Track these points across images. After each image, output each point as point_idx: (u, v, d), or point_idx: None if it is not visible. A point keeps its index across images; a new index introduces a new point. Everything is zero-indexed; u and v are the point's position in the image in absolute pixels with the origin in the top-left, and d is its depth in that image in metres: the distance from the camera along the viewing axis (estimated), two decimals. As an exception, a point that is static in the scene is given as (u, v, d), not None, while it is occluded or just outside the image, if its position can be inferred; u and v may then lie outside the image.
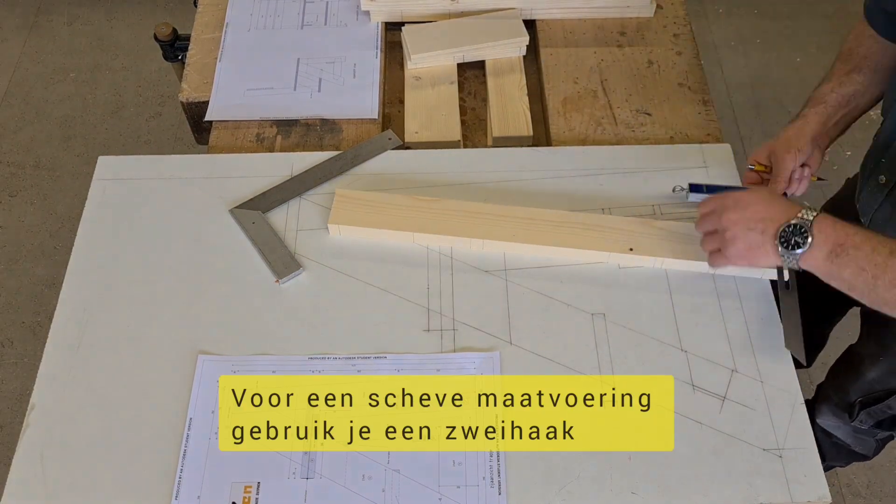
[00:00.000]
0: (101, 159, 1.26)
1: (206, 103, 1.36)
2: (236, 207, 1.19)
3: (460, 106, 1.37)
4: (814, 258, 0.95)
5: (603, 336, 1.07)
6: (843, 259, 0.93)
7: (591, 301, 1.10)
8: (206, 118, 1.35)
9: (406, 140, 1.31)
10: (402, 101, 1.39)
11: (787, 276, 1.07)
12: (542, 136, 1.36)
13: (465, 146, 1.34)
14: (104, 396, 1.02)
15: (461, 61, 1.42)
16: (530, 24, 1.46)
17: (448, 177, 1.23)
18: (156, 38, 1.65)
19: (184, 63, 1.47)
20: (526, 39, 1.42)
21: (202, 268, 1.14)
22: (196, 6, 1.55)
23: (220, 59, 1.42)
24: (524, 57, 1.43)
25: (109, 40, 2.77)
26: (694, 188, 1.18)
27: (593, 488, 0.95)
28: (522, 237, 1.13)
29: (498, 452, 0.98)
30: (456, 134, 1.32)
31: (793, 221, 0.95)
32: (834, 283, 0.95)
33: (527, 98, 1.36)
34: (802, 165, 1.13)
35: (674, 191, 1.19)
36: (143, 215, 1.19)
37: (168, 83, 2.63)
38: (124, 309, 1.10)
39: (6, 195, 2.37)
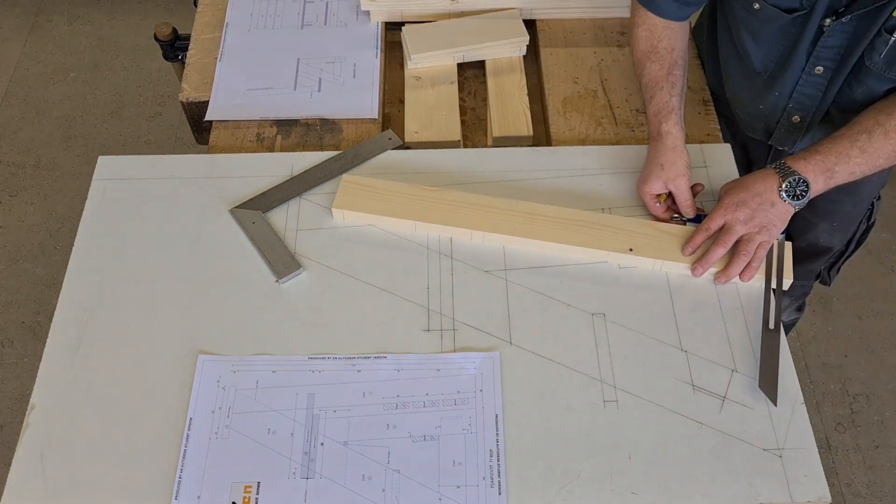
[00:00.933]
0: (101, 159, 1.26)
1: (206, 103, 1.36)
2: (236, 207, 1.19)
3: (460, 106, 1.37)
4: (816, 191, 1.10)
5: (603, 336, 1.07)
6: (835, 178, 1.10)
7: (591, 301, 1.10)
8: (206, 118, 1.34)
9: (406, 140, 1.31)
10: (402, 101, 1.39)
11: (772, 317, 1.08)
12: (542, 136, 1.36)
13: (465, 146, 1.34)
14: (104, 396, 1.02)
15: (461, 61, 1.42)
16: (530, 24, 1.46)
17: (448, 177, 1.23)
18: (156, 38, 1.65)
19: (184, 63, 1.47)
20: (526, 39, 1.42)
21: (202, 268, 1.14)
22: (196, 6, 1.55)
23: (220, 59, 1.42)
24: (524, 57, 1.43)
25: (109, 40, 2.77)
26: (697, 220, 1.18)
27: (593, 488, 0.95)
28: (523, 231, 1.13)
29: (498, 452, 0.98)
30: (456, 134, 1.32)
31: (784, 184, 1.09)
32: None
33: (527, 98, 1.36)
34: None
35: (672, 219, 1.18)
36: (143, 215, 1.19)
37: (168, 83, 2.63)
38: (124, 309, 1.10)
39: (6, 195, 2.37)
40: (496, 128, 1.32)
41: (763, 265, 1.11)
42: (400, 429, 0.99)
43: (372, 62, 1.42)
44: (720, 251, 1.10)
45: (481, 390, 1.02)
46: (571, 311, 1.09)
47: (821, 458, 0.98)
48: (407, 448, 0.98)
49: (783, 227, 1.11)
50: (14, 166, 2.43)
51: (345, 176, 1.20)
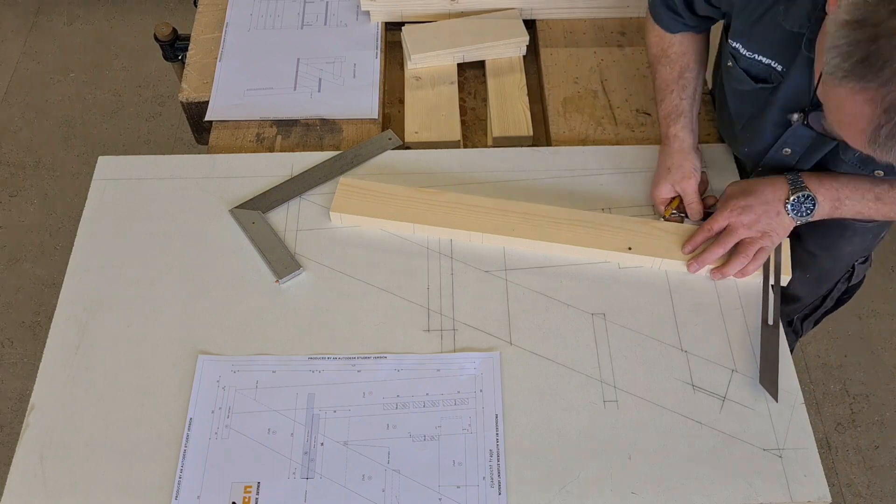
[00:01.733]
0: (101, 159, 1.26)
1: (206, 103, 1.36)
2: (236, 207, 1.19)
3: (460, 106, 1.37)
4: (820, 214, 1.09)
5: (603, 336, 1.07)
6: (842, 210, 1.09)
7: (591, 301, 1.10)
8: (206, 118, 1.34)
9: (406, 140, 1.31)
10: (402, 101, 1.39)
11: (771, 313, 1.08)
12: (542, 136, 1.36)
13: (465, 146, 1.34)
14: (104, 396, 1.02)
15: (461, 61, 1.42)
16: (530, 24, 1.46)
17: (448, 177, 1.23)
18: (156, 38, 1.65)
19: (184, 63, 1.47)
20: (526, 39, 1.42)
21: (202, 268, 1.14)
22: (196, 6, 1.55)
23: (220, 59, 1.42)
24: (524, 57, 1.43)
25: (109, 40, 2.77)
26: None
27: (593, 488, 0.95)
28: (522, 232, 1.13)
29: (498, 452, 0.98)
30: (456, 134, 1.32)
31: (792, 197, 1.08)
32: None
33: (527, 98, 1.36)
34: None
35: (665, 218, 1.18)
36: (143, 215, 1.19)
37: (168, 83, 2.63)
38: (124, 309, 1.10)
39: (6, 195, 2.37)
40: (496, 128, 1.32)
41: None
42: (400, 429, 0.99)
43: (372, 62, 1.42)
44: (719, 251, 1.10)
45: (481, 390, 1.02)
46: (571, 311, 1.09)
47: (821, 458, 0.98)
48: (407, 448, 0.98)
49: (785, 236, 1.11)
50: (14, 166, 2.43)
51: (342, 178, 1.19)
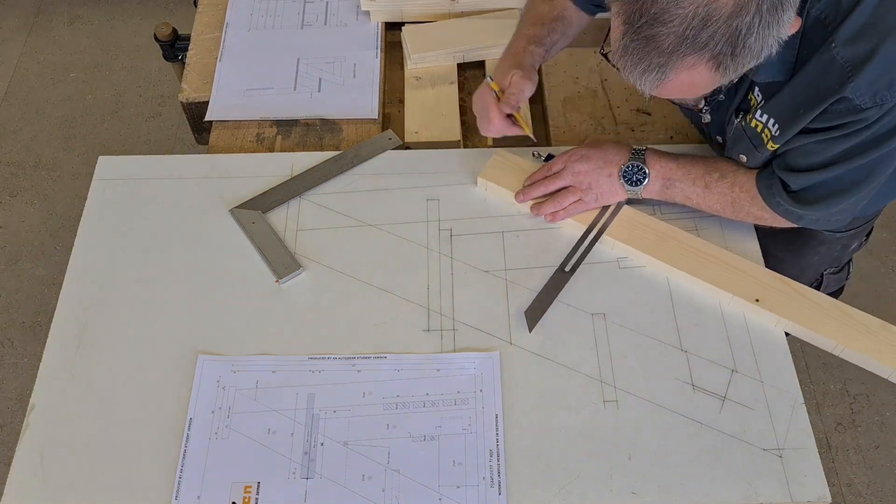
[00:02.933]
0: (101, 159, 1.26)
1: (206, 103, 1.36)
2: (236, 207, 1.19)
3: (460, 106, 1.37)
4: (651, 190, 1.13)
5: (603, 336, 1.07)
6: (672, 190, 1.12)
7: (591, 301, 1.10)
8: (206, 118, 1.34)
9: (406, 140, 1.31)
10: (402, 101, 1.39)
11: (572, 263, 1.13)
12: (542, 136, 1.36)
13: (465, 146, 1.34)
14: (104, 396, 1.02)
15: (461, 61, 1.42)
16: (530, 24, 1.46)
17: (448, 177, 1.23)
18: (156, 38, 1.65)
19: (184, 63, 1.47)
20: (526, 39, 1.41)
21: (202, 268, 1.14)
22: (196, 6, 1.55)
23: (220, 59, 1.42)
24: (524, 57, 1.43)
25: (109, 40, 2.77)
26: (549, 158, 1.22)
27: (593, 488, 0.95)
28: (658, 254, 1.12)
29: (498, 452, 0.98)
30: (456, 134, 1.32)
31: (630, 162, 1.12)
32: (665, 200, 1.14)
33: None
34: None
35: (533, 156, 1.23)
36: (143, 215, 1.19)
37: (168, 83, 2.63)
38: (124, 309, 1.10)
39: (6, 195, 2.37)
40: (496, 128, 1.31)
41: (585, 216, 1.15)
42: (400, 429, 0.99)
43: (372, 62, 1.42)
44: (541, 190, 1.16)
45: (481, 390, 1.02)
46: (571, 311, 1.09)
47: (821, 458, 0.98)
48: (407, 448, 0.98)
49: (610, 200, 1.14)
50: (14, 166, 2.43)
51: (497, 150, 1.23)
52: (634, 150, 1.14)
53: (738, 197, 1.09)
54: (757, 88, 1.01)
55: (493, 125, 1.15)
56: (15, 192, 2.38)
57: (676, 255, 1.11)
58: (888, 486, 1.85)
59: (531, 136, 1.18)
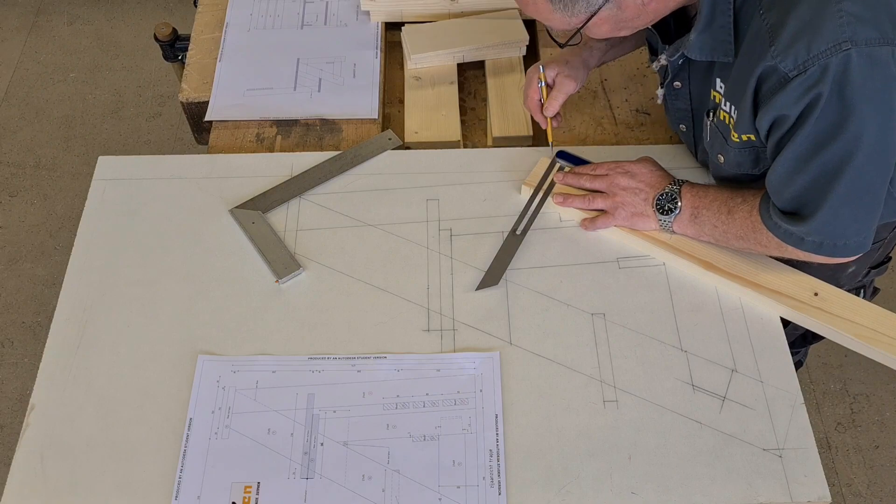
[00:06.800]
0: (101, 159, 1.26)
1: (206, 103, 1.36)
2: (236, 207, 1.19)
3: (460, 106, 1.37)
4: (682, 222, 1.11)
5: (603, 336, 1.07)
6: (700, 220, 1.09)
7: (591, 301, 1.10)
8: (206, 118, 1.34)
9: (406, 140, 1.31)
10: (402, 101, 1.39)
11: (523, 225, 1.16)
12: (542, 136, 1.36)
13: (465, 146, 1.34)
14: (104, 396, 1.02)
15: (461, 61, 1.42)
16: (530, 24, 1.46)
17: (448, 177, 1.23)
18: (156, 38, 1.65)
19: (184, 63, 1.47)
20: (526, 39, 1.42)
21: (202, 268, 1.14)
22: (196, 6, 1.55)
23: (220, 59, 1.42)
24: (524, 57, 1.43)
25: (109, 40, 2.77)
26: (560, 154, 1.24)
27: (593, 488, 0.95)
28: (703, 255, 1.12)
29: (498, 452, 0.98)
30: (456, 134, 1.32)
31: (665, 190, 1.11)
32: (704, 240, 1.11)
33: (527, 98, 1.36)
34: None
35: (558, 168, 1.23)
36: (143, 215, 1.19)
37: (168, 83, 2.63)
38: (124, 309, 1.10)
39: (6, 195, 2.37)
40: (496, 128, 1.32)
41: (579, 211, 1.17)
42: (400, 429, 0.99)
43: (372, 62, 1.42)
44: (579, 182, 1.18)
45: (481, 390, 1.02)
46: (571, 311, 1.09)
47: (821, 458, 0.98)
48: (407, 448, 0.98)
49: (639, 223, 1.13)
50: (14, 166, 2.43)
51: (543, 158, 1.24)
52: (675, 180, 1.13)
53: (755, 222, 1.04)
54: (718, 81, 1.03)
55: (534, 115, 1.24)
56: (15, 192, 2.38)
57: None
58: (888, 486, 1.85)
59: (550, 143, 1.22)
